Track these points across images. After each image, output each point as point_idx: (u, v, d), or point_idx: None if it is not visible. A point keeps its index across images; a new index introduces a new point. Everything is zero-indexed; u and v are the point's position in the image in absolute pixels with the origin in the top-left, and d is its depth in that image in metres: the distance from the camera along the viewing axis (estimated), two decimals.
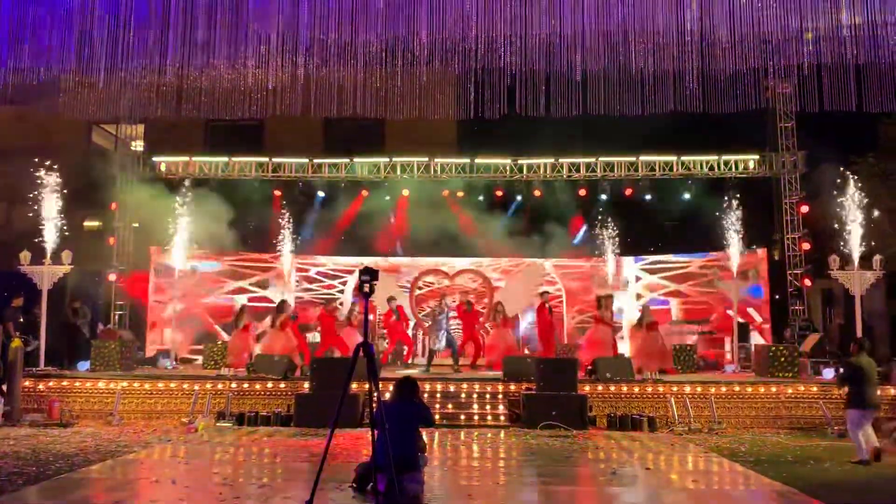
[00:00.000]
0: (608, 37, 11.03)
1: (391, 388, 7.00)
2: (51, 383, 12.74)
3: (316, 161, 19.46)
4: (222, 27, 11.25)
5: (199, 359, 16.49)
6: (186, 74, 12.08)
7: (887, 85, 11.41)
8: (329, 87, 12.02)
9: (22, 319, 14.37)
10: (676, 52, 11.16)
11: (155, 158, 19.29)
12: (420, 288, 19.51)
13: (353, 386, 11.18)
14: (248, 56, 11.57)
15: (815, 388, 12.63)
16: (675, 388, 12.61)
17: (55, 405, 12.18)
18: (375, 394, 5.65)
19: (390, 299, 16.85)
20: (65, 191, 14.42)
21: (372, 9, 10.97)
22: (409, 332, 17.85)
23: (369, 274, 5.30)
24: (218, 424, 11.73)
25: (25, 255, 13.84)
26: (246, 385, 12.80)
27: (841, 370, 9.92)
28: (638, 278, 19.19)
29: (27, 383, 12.55)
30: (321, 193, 19.77)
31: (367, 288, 5.30)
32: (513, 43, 10.98)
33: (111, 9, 11.60)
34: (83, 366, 14.42)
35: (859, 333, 13.78)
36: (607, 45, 11.12)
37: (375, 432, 6.04)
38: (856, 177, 14.59)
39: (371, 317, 16.02)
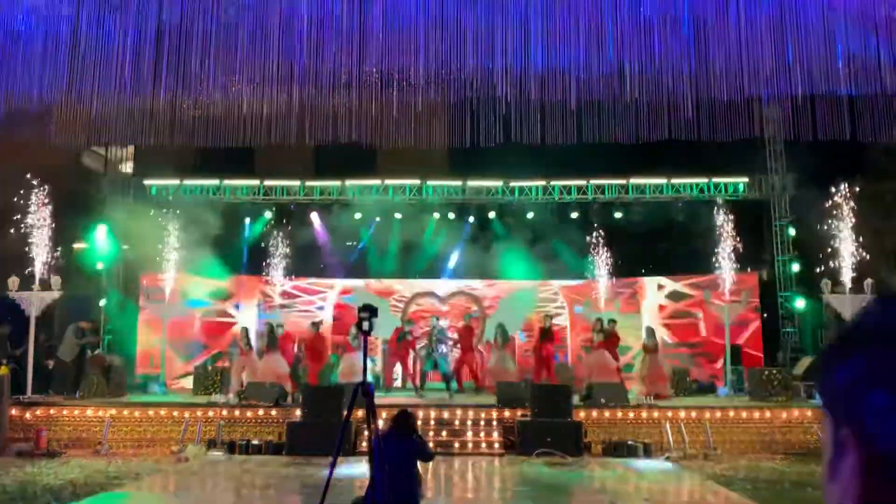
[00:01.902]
0: (603, 67, 11.12)
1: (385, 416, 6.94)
2: (38, 412, 12.53)
3: (308, 183, 19.41)
4: (216, 56, 11.25)
5: (190, 384, 16.27)
6: (179, 103, 12.03)
7: (879, 114, 11.52)
8: (324, 115, 12.02)
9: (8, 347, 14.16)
10: (671, 82, 11.25)
11: (146, 181, 19.17)
12: (413, 312, 19.40)
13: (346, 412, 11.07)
14: (242, 85, 11.56)
15: (809, 413, 12.62)
16: (669, 414, 12.57)
17: (42, 434, 11.98)
18: (374, 434, 5.55)
19: (406, 322, 16.77)
20: (54, 214, 14.28)
21: (368, 39, 10.99)
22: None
23: (369, 311, 5.20)
24: (209, 453, 11.57)
25: (13, 281, 13.67)
26: (237, 412, 12.65)
27: None
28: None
29: (14, 412, 12.35)
30: (315, 218, 19.72)
31: (366, 325, 5.20)
32: (508, 73, 11.04)
33: (103, 37, 11.56)
34: (76, 393, 14.17)
35: None
36: (602, 75, 11.20)
37: (374, 465, 5.95)
38: (844, 199, 14.69)
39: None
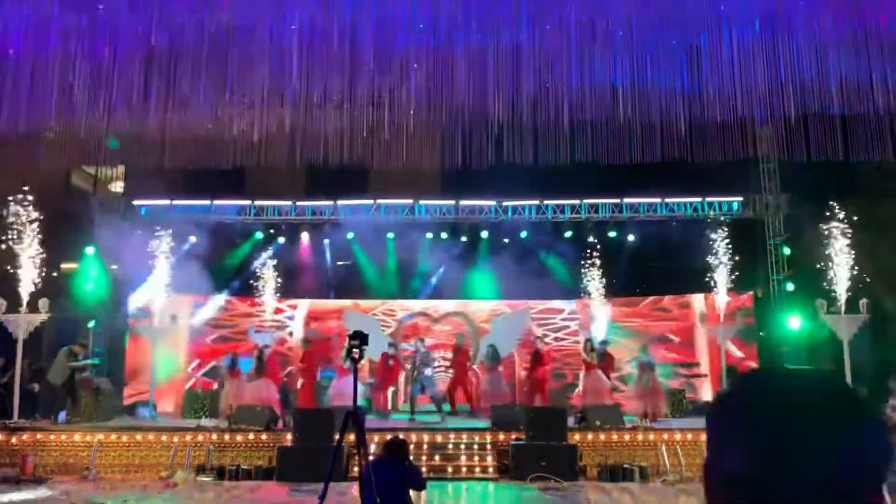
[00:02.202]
0: (595, 89, 11.10)
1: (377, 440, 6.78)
2: (24, 437, 12.30)
3: (299, 204, 19.30)
4: (207, 78, 11.18)
5: (176, 407, 16.08)
6: (169, 125, 11.94)
7: (872, 134, 11.52)
8: (314, 137, 11.94)
9: None
10: (664, 103, 11.23)
11: (136, 202, 19.02)
12: (406, 336, 19.25)
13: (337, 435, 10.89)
14: (232, 107, 11.49)
15: None
16: (665, 436, 12.42)
17: (28, 460, 11.75)
18: (365, 462, 5.40)
19: (390, 344, 16.59)
20: (42, 233, 14.11)
21: (359, 61, 10.95)
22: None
23: (359, 339, 5.06)
24: (198, 479, 11.36)
25: (0, 304, 13.48)
26: (227, 437, 12.44)
27: None
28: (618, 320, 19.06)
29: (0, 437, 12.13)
30: (305, 235, 19.61)
31: (356, 354, 5.06)
32: (500, 94, 11.00)
33: (92, 59, 11.48)
34: (61, 416, 13.93)
35: (848, 377, 13.72)
36: (594, 97, 11.18)
37: (365, 493, 5.80)
38: (838, 219, 14.68)
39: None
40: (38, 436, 12.35)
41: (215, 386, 16.49)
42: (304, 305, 19.32)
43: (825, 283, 14.64)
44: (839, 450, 1.00)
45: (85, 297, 18.20)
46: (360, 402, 13.91)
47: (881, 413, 0.95)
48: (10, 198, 13.81)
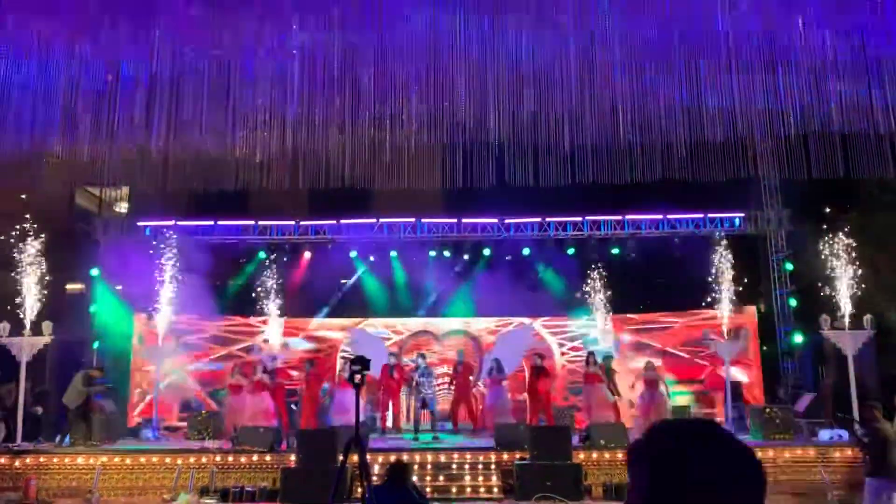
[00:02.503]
0: (596, 111, 11.17)
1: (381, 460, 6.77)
2: (28, 460, 12.29)
3: (302, 223, 19.37)
4: (210, 101, 11.28)
5: (184, 426, 16.02)
6: (172, 148, 12.04)
7: (872, 151, 11.55)
8: (317, 159, 12.02)
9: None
10: (665, 123, 11.28)
11: (139, 223, 19.08)
12: (409, 351, 19.22)
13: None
14: (235, 130, 11.58)
15: (813, 452, 12.43)
16: None
17: (32, 483, 11.73)
18: (367, 489, 5.40)
19: (391, 355, 16.56)
20: (46, 255, 14.17)
21: (360, 83, 11.04)
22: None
23: (361, 363, 5.07)
24: (201, 501, 11.32)
25: (4, 327, 13.51)
26: (231, 458, 12.41)
27: (862, 437, 9.65)
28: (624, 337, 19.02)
29: (2, 460, 12.11)
30: (307, 254, 19.69)
31: (357, 378, 5.07)
32: (501, 116, 11.08)
33: (96, 83, 11.60)
34: (65, 440, 13.89)
35: (854, 394, 13.67)
36: (595, 118, 11.25)
37: None
38: (841, 233, 14.68)
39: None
40: (42, 459, 12.34)
41: (216, 406, 16.49)
42: (306, 323, 19.33)
43: (829, 298, 14.60)
44: (719, 482, 1.33)
45: (89, 319, 18.24)
46: (363, 417, 13.97)
47: (752, 452, 1.44)
48: (17, 226, 13.87)
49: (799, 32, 10.83)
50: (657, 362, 16.33)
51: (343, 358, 17.71)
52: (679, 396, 17.54)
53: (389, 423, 16.38)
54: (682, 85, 11.10)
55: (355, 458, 9.73)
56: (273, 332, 18.48)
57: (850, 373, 13.84)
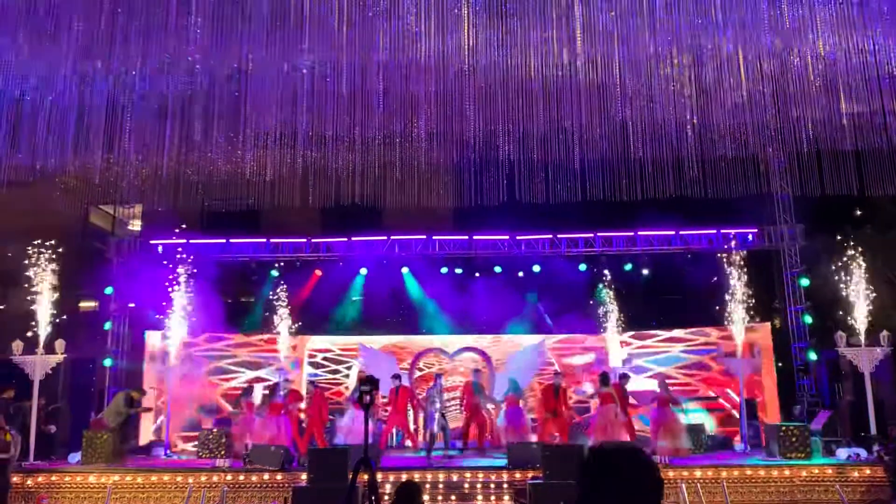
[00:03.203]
0: (606, 127, 11.17)
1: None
2: (40, 479, 12.30)
3: (314, 240, 19.41)
4: (220, 120, 11.37)
5: (194, 446, 15.98)
6: (183, 168, 12.14)
7: (886, 168, 11.48)
8: (327, 177, 12.09)
9: (11, 412, 13.95)
10: (675, 140, 11.27)
11: (152, 242, 19.18)
12: (420, 369, 19.15)
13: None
14: (245, 148, 11.67)
15: (829, 470, 12.24)
16: (685, 473, 12.21)
17: (44, 502, 11.74)
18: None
19: (394, 377, 16.46)
20: (61, 273, 14.28)
21: (370, 101, 11.11)
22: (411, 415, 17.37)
23: (370, 384, 5.02)
24: None
25: (18, 345, 13.59)
26: (241, 477, 12.36)
27: (886, 456, 9.48)
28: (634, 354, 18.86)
29: (15, 479, 12.11)
30: (318, 272, 19.74)
31: (367, 399, 5.02)
32: (511, 133, 11.10)
33: (109, 101, 11.72)
34: (73, 458, 13.89)
35: (871, 411, 13.50)
36: (606, 135, 11.26)
37: None
38: (855, 249, 14.54)
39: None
40: (54, 477, 12.35)
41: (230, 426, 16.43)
42: (317, 342, 19.31)
43: (845, 314, 14.45)
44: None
45: (103, 337, 18.32)
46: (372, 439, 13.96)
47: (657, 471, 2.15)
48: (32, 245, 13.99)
49: (811, 48, 10.81)
50: (668, 381, 16.16)
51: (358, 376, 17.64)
52: (694, 414, 17.35)
53: (394, 443, 16.37)
54: (693, 100, 11.09)
55: (366, 477, 9.72)
56: (285, 350, 18.49)
57: (867, 390, 13.66)
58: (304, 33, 10.60)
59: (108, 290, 18.40)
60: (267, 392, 14.98)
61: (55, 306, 14.16)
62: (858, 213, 17.27)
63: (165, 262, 16.24)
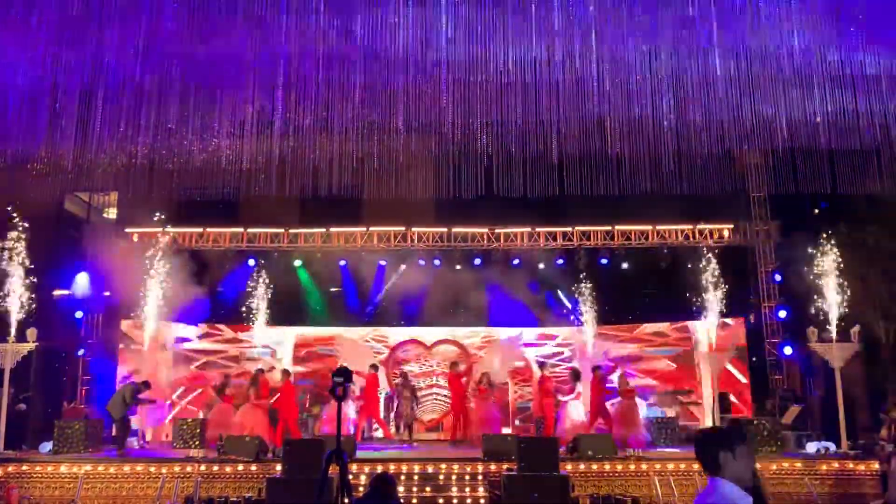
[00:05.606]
0: (584, 122, 11.20)
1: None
2: (10, 468, 12.13)
3: (291, 231, 19.28)
4: (195, 108, 11.23)
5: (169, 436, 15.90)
6: (158, 156, 11.99)
7: (859, 166, 11.63)
8: (304, 168, 12.00)
9: None
10: (652, 135, 11.34)
11: (128, 230, 18.95)
12: (398, 361, 19.15)
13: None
14: (221, 137, 11.54)
15: (799, 464, 12.42)
16: (658, 466, 12.33)
17: (14, 492, 11.58)
18: (349, 501, 5.34)
19: (372, 367, 16.49)
20: (33, 260, 14.06)
21: (349, 94, 11.04)
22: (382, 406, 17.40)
23: (343, 375, 4.99)
24: None
25: None
26: (216, 467, 12.28)
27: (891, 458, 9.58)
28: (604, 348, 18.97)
29: None
30: (297, 262, 19.66)
31: (339, 391, 4.99)
32: (489, 126, 11.09)
33: (81, 87, 11.54)
34: (45, 447, 13.68)
35: (841, 406, 13.70)
36: (583, 130, 11.29)
37: None
38: (829, 245, 14.71)
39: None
40: (24, 467, 12.18)
41: (200, 414, 16.35)
42: (293, 332, 19.26)
43: (818, 310, 14.62)
44: None
45: (76, 325, 18.12)
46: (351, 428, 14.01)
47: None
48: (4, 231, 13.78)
49: (786, 46, 10.91)
50: (627, 374, 16.44)
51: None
52: (669, 407, 17.53)
53: (368, 434, 16.50)
54: (670, 97, 11.15)
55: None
56: (261, 341, 18.41)
57: (837, 385, 13.85)
58: (281, 21, 10.51)
59: (82, 278, 18.16)
60: (243, 383, 14.91)
61: (28, 293, 13.95)
62: (832, 210, 17.45)
63: (142, 251, 16.09)
